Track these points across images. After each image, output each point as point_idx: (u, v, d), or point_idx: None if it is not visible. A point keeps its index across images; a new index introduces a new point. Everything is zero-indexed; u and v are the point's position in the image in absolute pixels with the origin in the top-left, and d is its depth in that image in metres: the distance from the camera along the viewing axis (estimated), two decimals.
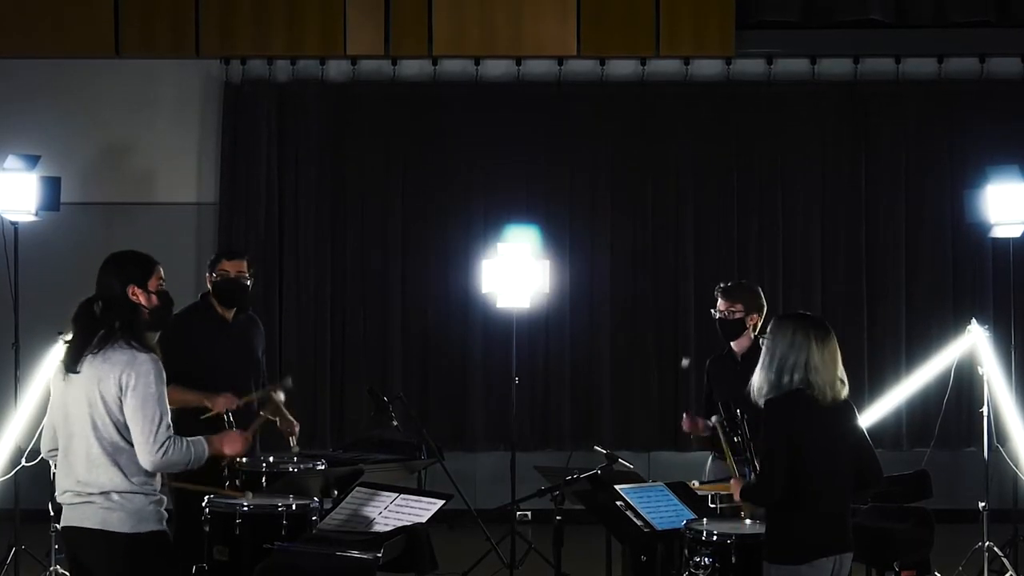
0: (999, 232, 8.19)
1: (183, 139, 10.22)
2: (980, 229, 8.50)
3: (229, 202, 10.08)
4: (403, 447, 7.34)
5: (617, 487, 5.79)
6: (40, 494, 7.27)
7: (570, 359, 10.13)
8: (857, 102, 10.18)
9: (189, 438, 4.79)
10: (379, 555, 5.19)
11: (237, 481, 5.87)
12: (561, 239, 10.04)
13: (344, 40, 10.04)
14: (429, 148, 10.16)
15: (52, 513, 7.18)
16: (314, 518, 5.58)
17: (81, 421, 4.72)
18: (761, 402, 5.01)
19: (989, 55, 10.13)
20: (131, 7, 9.98)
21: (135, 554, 4.70)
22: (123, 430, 4.70)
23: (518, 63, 10.15)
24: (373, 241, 10.14)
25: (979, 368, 7.99)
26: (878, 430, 8.66)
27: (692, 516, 5.63)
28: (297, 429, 6.83)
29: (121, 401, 4.67)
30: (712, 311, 6.76)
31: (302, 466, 6.40)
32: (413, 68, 10.18)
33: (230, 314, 6.92)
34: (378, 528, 5.50)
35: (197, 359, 6.58)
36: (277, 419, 6.76)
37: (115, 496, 4.70)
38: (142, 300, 4.82)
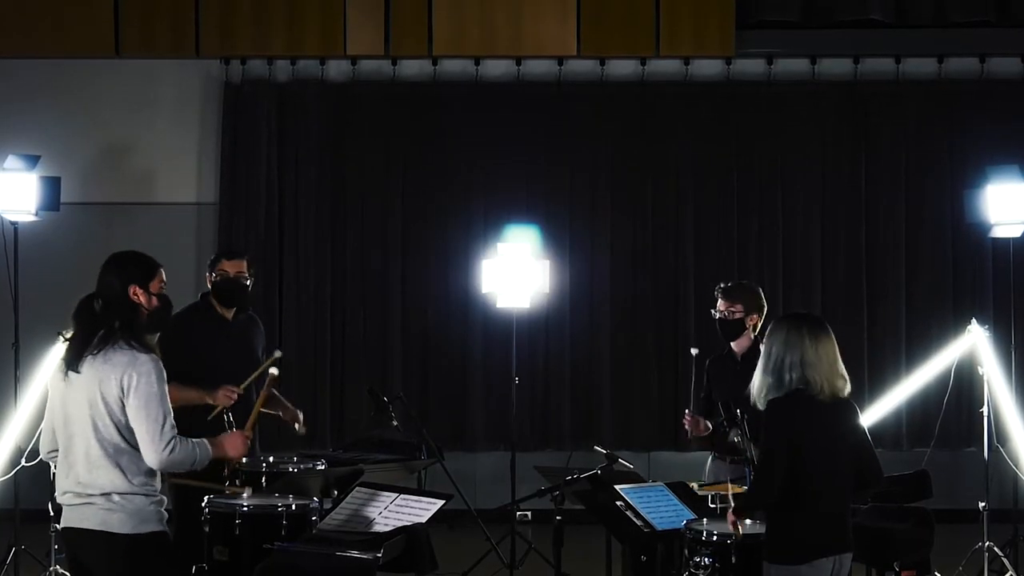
0: (999, 232, 8.18)
1: (183, 139, 10.22)
2: (980, 229, 8.50)
3: (229, 202, 10.08)
4: (403, 447, 7.34)
5: (617, 487, 5.80)
6: (40, 494, 7.28)
7: (570, 359, 10.13)
8: (857, 102, 10.18)
9: (193, 439, 4.80)
10: (379, 555, 5.19)
11: (237, 481, 5.87)
12: (561, 239, 10.04)
13: (344, 40, 10.04)
14: (429, 148, 10.16)
15: (52, 513, 7.18)
16: (314, 518, 5.58)
17: (81, 422, 4.72)
18: (762, 405, 5.01)
19: (989, 55, 10.14)
20: (131, 7, 9.99)
21: (136, 555, 4.70)
22: (124, 431, 4.70)
23: (518, 63, 10.15)
24: (373, 241, 10.14)
25: (979, 368, 7.98)
26: (878, 430, 8.64)
27: (692, 516, 5.63)
28: (302, 416, 6.84)
29: (123, 402, 4.67)
30: (712, 311, 6.76)
31: (302, 466, 6.40)
32: (413, 68, 10.18)
33: (230, 314, 6.92)
34: (378, 528, 5.50)
35: (197, 359, 6.58)
36: (279, 412, 6.79)
37: (115, 497, 4.69)
38: (142, 301, 4.82)
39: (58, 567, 7.46)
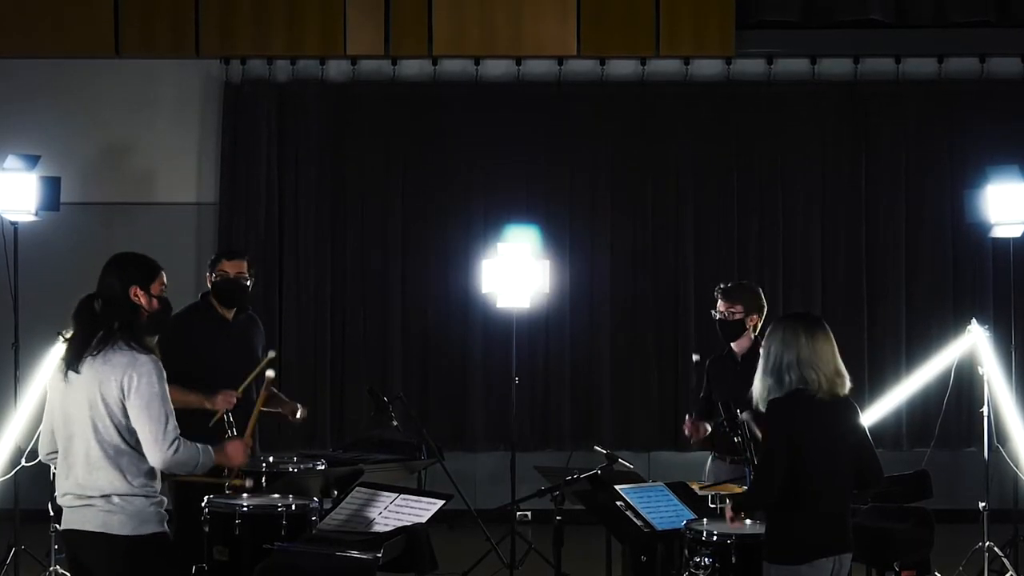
0: (999, 232, 8.18)
1: (183, 139, 10.21)
2: (980, 229, 8.50)
3: (229, 202, 10.08)
4: (403, 447, 7.34)
5: (617, 487, 5.80)
6: (40, 494, 7.27)
7: (570, 359, 10.13)
8: (857, 102, 10.18)
9: (198, 444, 4.81)
10: (379, 555, 5.18)
11: (240, 475, 5.86)
12: (561, 239, 10.04)
13: (344, 40, 10.04)
14: (429, 148, 10.16)
15: (52, 513, 7.18)
16: (314, 518, 5.58)
17: (81, 423, 4.71)
18: (763, 406, 5.01)
19: (989, 55, 10.14)
20: (131, 7, 9.98)
21: (136, 556, 4.70)
22: (124, 432, 4.70)
23: (518, 63, 10.15)
24: (373, 241, 10.14)
25: (979, 368, 7.99)
26: (878, 430, 8.63)
27: (692, 516, 5.63)
28: (300, 406, 6.85)
29: (123, 404, 4.67)
30: (712, 312, 6.75)
31: (302, 466, 6.40)
32: (413, 68, 10.18)
33: (230, 314, 6.92)
34: (378, 528, 5.50)
35: (197, 359, 6.58)
36: (279, 409, 6.81)
37: (115, 499, 4.69)
38: (143, 302, 4.81)
39: (58, 567, 7.46)
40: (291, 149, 10.14)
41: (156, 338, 4.87)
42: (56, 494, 4.84)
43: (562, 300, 9.97)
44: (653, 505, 5.75)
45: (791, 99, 10.20)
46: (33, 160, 8.11)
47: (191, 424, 5.58)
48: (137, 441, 4.71)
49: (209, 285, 6.92)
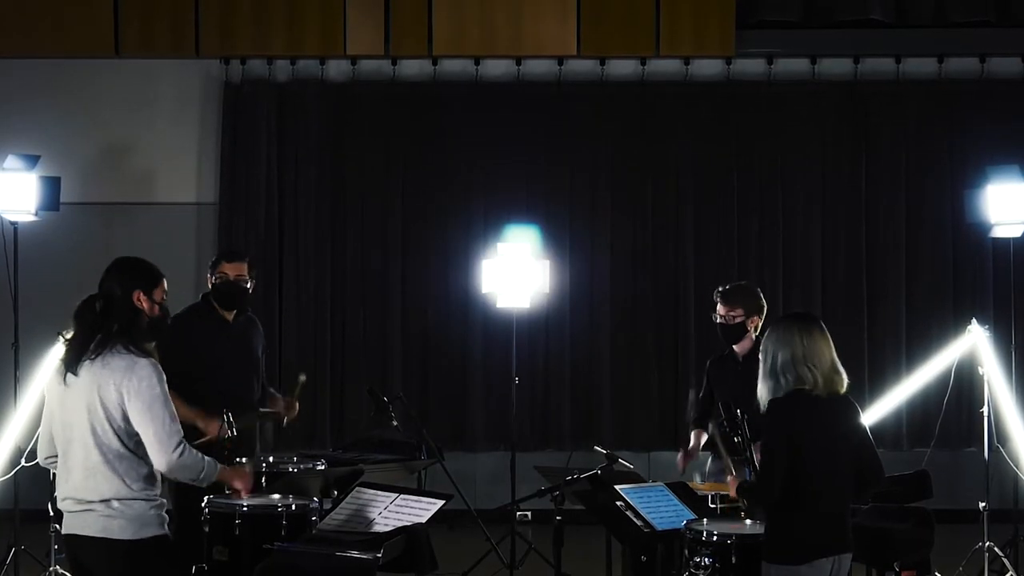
0: (999, 232, 8.18)
1: (183, 139, 10.21)
2: (980, 229, 8.50)
3: (229, 202, 10.08)
4: (403, 447, 7.34)
5: (617, 487, 5.79)
6: (40, 494, 7.28)
7: (570, 359, 10.12)
8: (857, 102, 10.18)
9: (205, 456, 4.83)
10: (379, 555, 5.18)
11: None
12: (561, 239, 10.04)
13: (344, 40, 10.04)
14: (429, 148, 10.16)
15: (52, 513, 7.17)
16: (314, 518, 5.58)
17: (80, 428, 4.71)
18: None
19: (989, 55, 10.14)
20: (131, 7, 9.98)
21: (137, 560, 4.70)
22: (123, 436, 4.69)
23: (518, 63, 10.15)
24: (373, 241, 10.14)
25: (979, 368, 7.99)
26: (878, 430, 8.62)
27: (692, 516, 5.63)
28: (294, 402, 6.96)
29: (122, 408, 4.66)
30: (712, 316, 6.74)
31: (302, 466, 6.40)
32: (413, 68, 10.18)
33: (230, 315, 6.92)
34: (378, 528, 5.50)
35: (197, 359, 6.59)
36: (278, 410, 6.87)
37: (115, 503, 4.69)
38: (145, 307, 4.80)
39: (58, 567, 7.46)
40: (291, 149, 10.14)
41: (154, 343, 4.87)
42: (57, 499, 4.84)
43: (562, 300, 9.97)
44: (653, 505, 5.75)
45: (791, 99, 10.20)
46: (33, 160, 8.10)
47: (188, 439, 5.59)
48: (136, 445, 4.70)
49: (209, 287, 6.92)
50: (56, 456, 4.83)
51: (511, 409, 9.02)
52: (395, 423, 7.56)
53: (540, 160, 10.16)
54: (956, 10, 10.06)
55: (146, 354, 4.73)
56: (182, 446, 4.69)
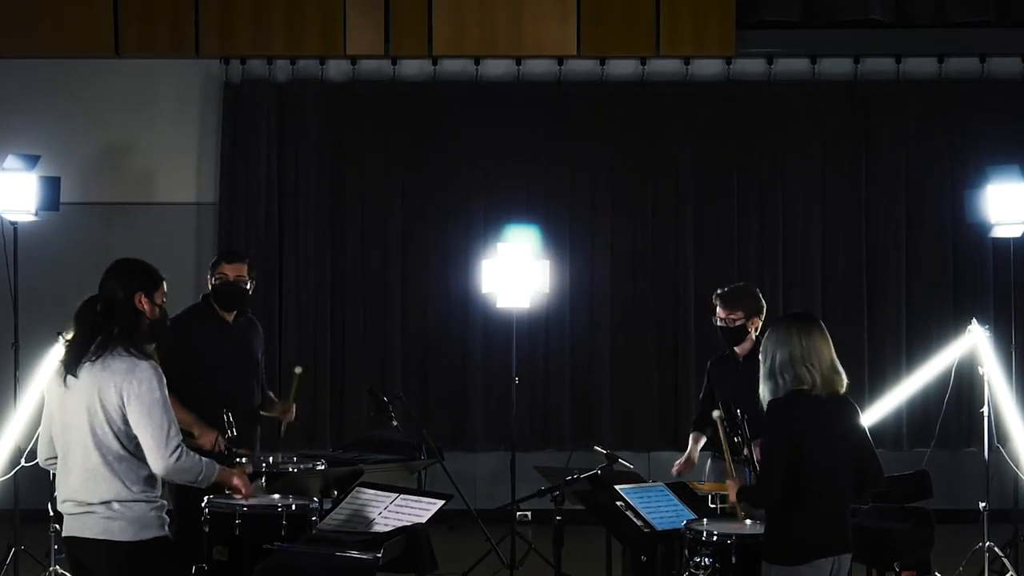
0: (999, 232, 8.18)
1: (183, 139, 10.21)
2: (980, 229, 8.50)
3: (229, 202, 10.08)
4: (403, 447, 7.34)
5: (617, 487, 5.79)
6: (40, 494, 7.28)
7: (570, 359, 10.12)
8: (857, 102, 10.18)
9: (203, 457, 4.82)
10: (379, 555, 5.18)
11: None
12: (561, 239, 10.04)
13: (344, 40, 10.04)
14: (429, 148, 10.16)
15: (52, 514, 7.17)
16: (314, 518, 5.58)
17: (80, 430, 4.70)
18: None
19: (989, 55, 10.14)
20: (131, 7, 9.98)
21: (138, 561, 4.69)
22: (123, 438, 4.68)
23: (518, 63, 10.15)
24: (373, 241, 10.14)
25: (979, 368, 7.99)
26: (878, 430, 8.63)
27: (692, 516, 5.63)
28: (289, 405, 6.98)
29: (122, 410, 4.66)
30: (712, 318, 6.72)
31: (302, 466, 6.40)
32: (413, 68, 10.18)
33: (230, 316, 6.92)
34: (378, 528, 5.50)
35: (197, 360, 6.59)
36: (276, 413, 6.88)
37: (116, 505, 4.68)
38: (146, 309, 4.80)
39: (58, 567, 7.46)
40: (291, 149, 10.14)
41: (154, 345, 4.86)
42: (57, 500, 4.83)
43: (562, 300, 9.97)
44: (653, 505, 5.75)
45: (791, 99, 10.19)
46: (33, 160, 8.11)
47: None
48: (136, 447, 4.70)
49: (209, 287, 6.91)
50: (56, 457, 4.82)
51: (511, 409, 9.02)
52: (395, 423, 7.55)
53: (540, 160, 10.16)
54: (956, 10, 10.06)
55: (147, 356, 4.72)
56: (180, 450, 4.68)
